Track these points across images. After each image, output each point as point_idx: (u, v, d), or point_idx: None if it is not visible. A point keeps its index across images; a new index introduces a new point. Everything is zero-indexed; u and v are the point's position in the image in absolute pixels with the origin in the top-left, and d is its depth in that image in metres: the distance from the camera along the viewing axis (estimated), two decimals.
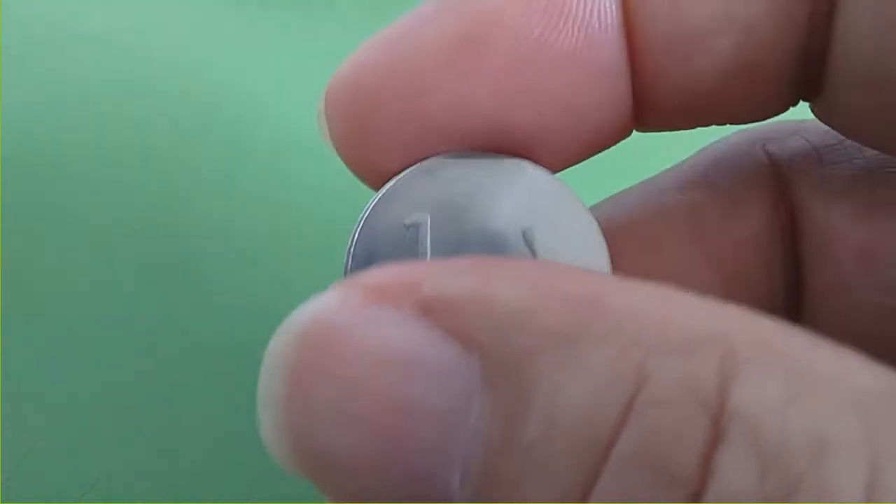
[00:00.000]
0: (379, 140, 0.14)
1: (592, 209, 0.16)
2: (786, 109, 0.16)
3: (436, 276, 0.10)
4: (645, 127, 0.16)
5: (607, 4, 0.14)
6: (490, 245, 0.14)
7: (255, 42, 0.32)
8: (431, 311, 0.10)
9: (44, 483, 0.23)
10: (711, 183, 0.16)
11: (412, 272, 0.10)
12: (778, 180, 0.16)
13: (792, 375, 0.09)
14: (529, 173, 0.14)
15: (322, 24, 0.33)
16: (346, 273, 0.14)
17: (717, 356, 0.09)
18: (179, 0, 0.33)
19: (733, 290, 0.16)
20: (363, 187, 0.15)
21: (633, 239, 0.16)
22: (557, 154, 0.14)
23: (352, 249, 0.14)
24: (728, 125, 0.16)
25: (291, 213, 0.28)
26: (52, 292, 0.26)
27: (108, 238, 0.27)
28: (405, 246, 0.14)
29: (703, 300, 0.10)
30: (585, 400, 0.09)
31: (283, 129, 0.30)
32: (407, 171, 0.14)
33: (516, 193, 0.14)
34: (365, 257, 0.14)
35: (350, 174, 0.15)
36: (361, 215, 0.14)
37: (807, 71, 0.14)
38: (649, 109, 0.15)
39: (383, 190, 0.14)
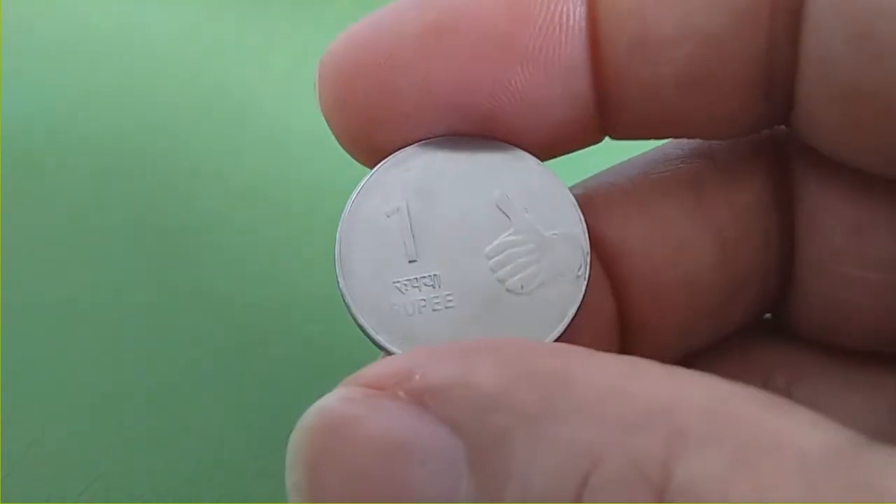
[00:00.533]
0: (357, 110, 0.15)
1: (595, 176, 0.17)
2: (760, 128, 0.16)
3: (425, 364, 0.12)
4: (616, 134, 0.16)
5: (571, 7, 0.15)
6: (466, 216, 0.15)
7: (252, 38, 0.32)
8: (422, 398, 0.11)
9: (42, 481, 0.23)
10: (713, 153, 0.17)
11: (405, 363, 0.12)
12: (777, 153, 0.17)
13: (737, 444, 0.10)
14: (496, 150, 0.15)
15: (319, 22, 0.32)
16: (336, 266, 0.15)
17: (665, 432, 0.10)
18: None
19: (731, 256, 0.17)
20: (356, 181, 0.16)
21: (637, 204, 0.17)
22: (517, 143, 0.15)
23: (339, 243, 0.15)
24: (700, 139, 0.17)
25: (288, 207, 0.28)
26: (49, 290, 0.26)
27: (106, 236, 0.27)
28: (388, 233, 0.15)
29: (665, 368, 0.11)
30: (548, 478, 0.10)
31: (279, 125, 0.30)
32: (380, 164, 0.15)
33: (483, 167, 0.15)
34: (352, 249, 0.15)
35: (342, 169, 0.16)
36: (344, 210, 0.15)
37: (775, 85, 0.15)
38: (616, 114, 0.15)
39: (361, 184, 0.15)
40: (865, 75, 0.13)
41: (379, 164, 0.15)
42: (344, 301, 0.15)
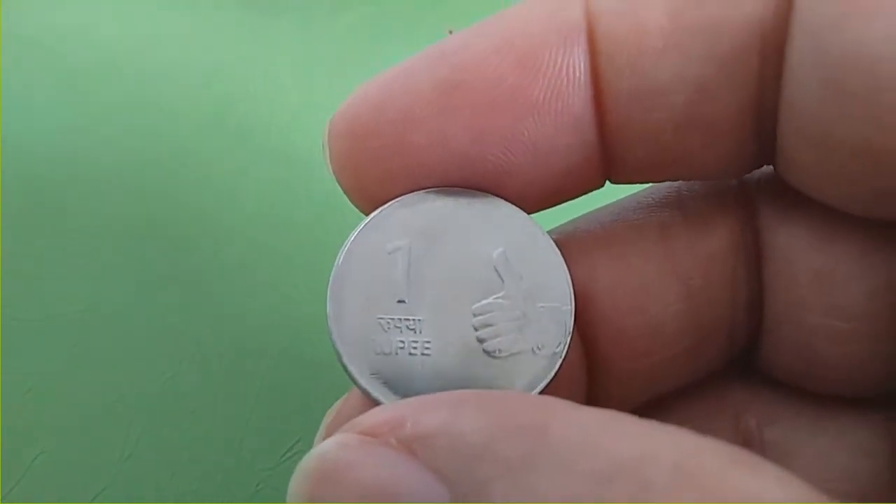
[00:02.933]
0: (370, 168, 0.15)
1: (572, 221, 0.18)
2: (751, 168, 0.17)
3: (416, 414, 0.12)
4: (616, 178, 0.17)
5: (577, 60, 0.15)
6: (462, 269, 0.15)
7: (259, 53, 0.32)
8: (412, 446, 0.12)
9: (49, 492, 0.23)
10: (682, 203, 0.18)
11: (398, 411, 0.13)
12: (745, 203, 0.17)
13: (700, 499, 0.10)
14: (502, 208, 0.16)
15: (325, 37, 0.32)
16: (328, 294, 0.15)
17: (632, 485, 0.11)
18: (183, 9, 0.33)
19: (697, 304, 0.17)
20: None
21: (607, 251, 0.17)
22: (527, 193, 0.16)
23: (336, 269, 0.15)
24: (694, 180, 0.17)
25: (294, 222, 0.28)
26: (56, 302, 0.26)
27: (110, 249, 0.27)
28: (385, 269, 0.15)
29: (640, 423, 0.12)
30: None
31: (285, 140, 0.30)
32: (390, 203, 0.15)
33: (488, 225, 0.15)
34: (347, 278, 0.15)
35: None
36: (346, 241, 0.15)
37: (761, 131, 0.15)
38: (617, 160, 0.16)
39: (367, 219, 0.15)
40: (837, 122, 0.14)
41: (388, 203, 0.15)
42: (327, 326, 0.15)
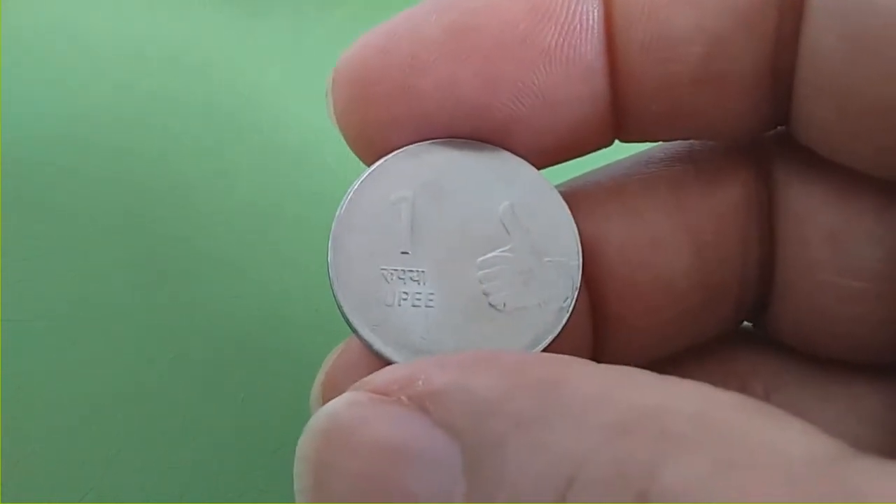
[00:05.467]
0: (375, 115, 0.15)
1: (582, 176, 0.17)
2: (764, 128, 0.16)
3: (428, 371, 0.12)
4: (626, 136, 0.16)
5: (590, 8, 0.15)
6: (468, 222, 0.15)
7: (249, 50, 0.31)
8: (423, 403, 0.12)
9: (35, 493, 0.23)
10: (694, 158, 0.17)
11: (409, 370, 0.12)
12: (758, 160, 0.17)
13: (724, 450, 0.10)
14: (510, 161, 0.15)
15: (316, 34, 0.32)
16: (329, 242, 0.15)
17: (651, 436, 0.10)
18: (172, 6, 0.32)
19: (708, 260, 0.17)
20: None
21: (618, 205, 0.17)
22: (535, 145, 0.15)
23: (338, 221, 0.15)
24: (706, 139, 0.17)
25: (284, 218, 0.27)
26: (43, 301, 0.26)
27: (99, 246, 0.27)
28: (388, 220, 0.15)
29: (655, 377, 0.11)
30: (535, 483, 0.11)
31: (276, 136, 0.29)
32: (394, 153, 0.15)
33: (496, 178, 0.15)
34: (349, 229, 0.15)
35: (339, 179, 0.16)
36: (349, 191, 0.15)
37: (778, 87, 0.15)
38: (628, 115, 0.16)
39: (371, 169, 0.15)
40: (856, 73, 0.14)
41: (391, 153, 0.15)
42: (329, 276, 0.15)
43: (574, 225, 0.15)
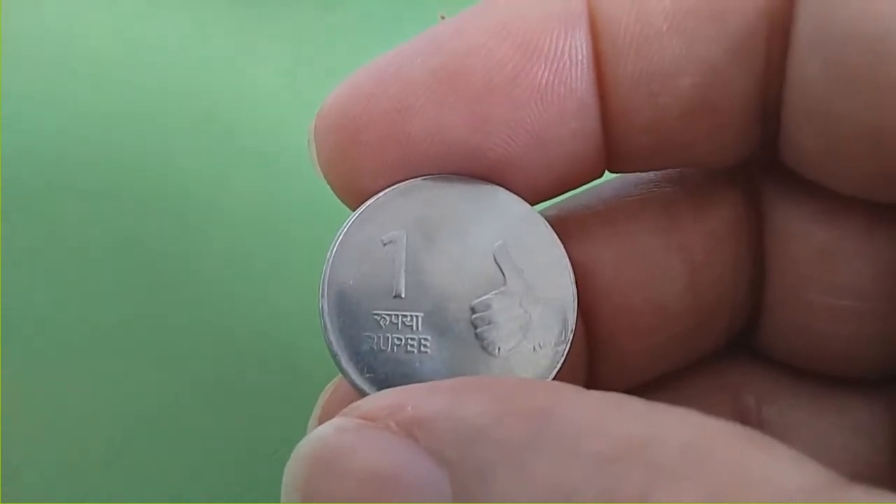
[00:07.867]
0: (363, 162, 0.15)
1: (572, 198, 0.17)
2: (753, 157, 0.16)
3: (417, 398, 0.12)
4: (617, 167, 0.16)
5: (578, 43, 0.14)
6: (461, 263, 0.15)
7: (243, 59, 0.31)
8: (412, 430, 0.12)
9: (32, 496, 0.23)
10: (686, 179, 0.17)
11: (398, 396, 0.12)
12: (748, 179, 0.17)
13: (714, 479, 0.10)
14: (501, 197, 0.15)
15: (311, 43, 0.31)
16: (321, 288, 0.14)
17: (642, 466, 0.10)
18: (169, 11, 0.32)
19: (700, 281, 0.17)
20: None
21: (610, 227, 0.17)
22: (529, 182, 0.15)
23: (329, 263, 0.14)
24: (695, 168, 0.17)
25: (278, 228, 0.27)
26: (36, 314, 0.26)
27: (93, 258, 0.27)
28: (380, 262, 0.14)
29: (646, 405, 0.11)
30: None
31: (270, 146, 0.29)
32: (385, 191, 0.15)
33: (488, 215, 0.15)
34: (340, 271, 0.14)
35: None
36: (339, 230, 0.15)
37: (766, 115, 0.15)
38: (619, 147, 0.15)
39: (362, 208, 0.15)
40: (839, 100, 0.14)
41: (382, 192, 0.15)
42: (321, 321, 0.14)
43: (568, 262, 0.15)
